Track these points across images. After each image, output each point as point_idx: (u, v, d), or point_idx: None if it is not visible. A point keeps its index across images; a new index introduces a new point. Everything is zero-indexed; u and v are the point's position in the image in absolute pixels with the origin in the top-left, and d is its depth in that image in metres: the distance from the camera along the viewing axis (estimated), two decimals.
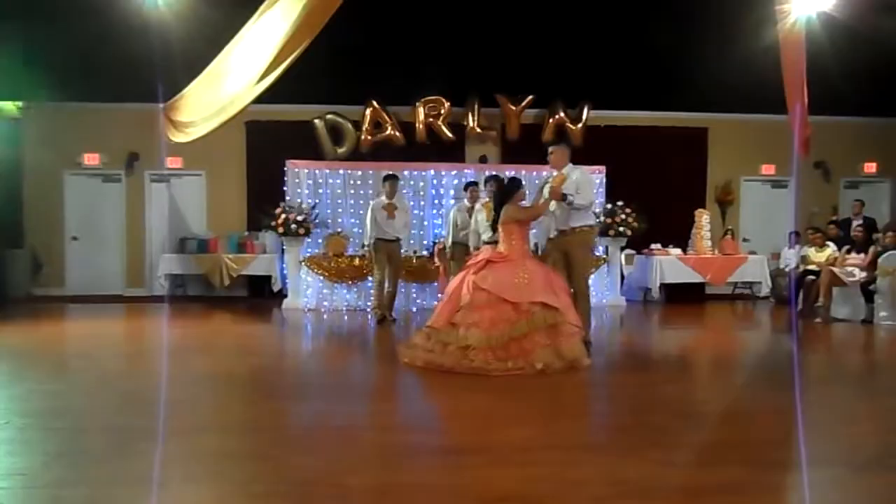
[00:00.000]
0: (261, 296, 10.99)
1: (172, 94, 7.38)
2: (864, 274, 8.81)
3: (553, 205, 6.10)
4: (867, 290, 8.69)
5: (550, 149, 6.45)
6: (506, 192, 6.05)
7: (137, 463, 3.28)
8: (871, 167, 12.67)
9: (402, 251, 8.95)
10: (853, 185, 12.68)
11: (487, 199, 7.20)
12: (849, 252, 9.28)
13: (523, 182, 6.30)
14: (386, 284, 8.41)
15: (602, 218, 10.05)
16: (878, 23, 7.73)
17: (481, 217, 7.22)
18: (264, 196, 10.46)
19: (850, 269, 8.97)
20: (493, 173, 8.30)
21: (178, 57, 7.26)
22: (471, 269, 5.86)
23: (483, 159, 11.47)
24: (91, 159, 11.39)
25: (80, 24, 8.22)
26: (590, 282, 6.83)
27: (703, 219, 11.27)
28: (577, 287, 6.10)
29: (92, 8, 7.65)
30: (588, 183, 6.32)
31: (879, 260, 8.58)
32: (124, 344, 7.68)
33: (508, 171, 10.33)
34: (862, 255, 9.05)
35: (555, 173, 6.30)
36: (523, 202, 6.17)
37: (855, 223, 10.52)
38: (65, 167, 11.38)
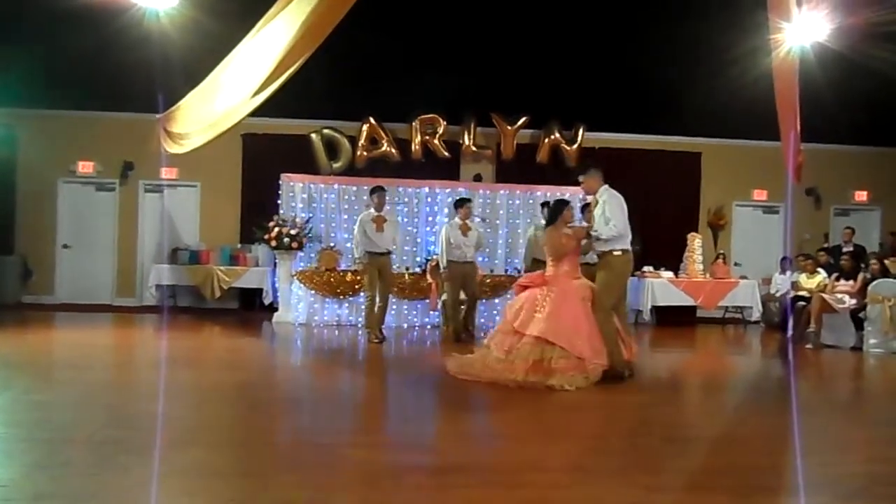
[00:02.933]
0: (251, 309, 10.94)
1: (170, 105, 7.38)
2: (854, 301, 8.86)
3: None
4: (857, 318, 8.74)
5: (580, 178, 6.19)
6: (550, 214, 6.17)
7: (120, 477, 3.24)
8: (861, 195, 12.78)
9: (395, 267, 8.87)
10: (844, 212, 12.78)
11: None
12: (838, 279, 9.33)
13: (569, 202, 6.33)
14: (377, 300, 8.17)
15: None
16: (870, 53, 7.83)
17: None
18: (258, 209, 10.48)
19: (840, 295, 9.02)
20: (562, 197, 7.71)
21: (176, 68, 7.28)
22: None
23: (478, 178, 11.51)
24: (85, 167, 11.37)
25: (79, 34, 8.22)
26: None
27: (696, 242, 11.32)
28: (595, 313, 5.79)
29: (91, 18, 7.66)
30: (615, 206, 5.89)
31: (869, 288, 8.63)
32: (112, 355, 7.60)
33: (502, 191, 10.48)
34: (851, 282, 9.11)
35: (589, 198, 6.26)
36: (572, 224, 6.19)
37: (844, 250, 10.58)
38: (59, 175, 11.35)
